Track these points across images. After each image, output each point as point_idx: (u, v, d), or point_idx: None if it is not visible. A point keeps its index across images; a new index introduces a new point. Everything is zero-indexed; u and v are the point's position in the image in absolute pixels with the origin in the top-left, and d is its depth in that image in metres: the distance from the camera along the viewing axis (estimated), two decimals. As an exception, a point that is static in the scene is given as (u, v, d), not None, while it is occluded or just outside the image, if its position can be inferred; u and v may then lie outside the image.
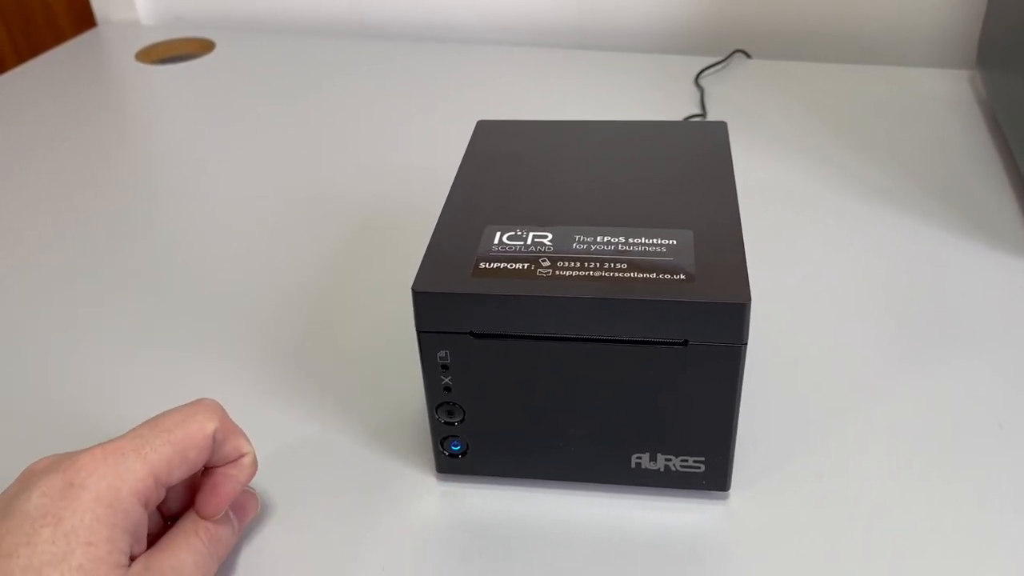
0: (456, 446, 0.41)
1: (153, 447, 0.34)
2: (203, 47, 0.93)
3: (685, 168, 0.43)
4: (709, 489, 0.40)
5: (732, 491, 0.41)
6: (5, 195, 0.68)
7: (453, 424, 0.40)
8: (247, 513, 0.39)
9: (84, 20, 1.03)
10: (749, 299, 0.35)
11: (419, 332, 0.37)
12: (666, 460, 0.39)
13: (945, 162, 0.66)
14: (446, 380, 0.39)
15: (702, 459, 0.39)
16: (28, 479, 0.33)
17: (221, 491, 0.37)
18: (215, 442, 0.36)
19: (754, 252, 0.56)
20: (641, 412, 0.38)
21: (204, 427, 0.35)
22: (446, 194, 0.43)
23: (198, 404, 0.36)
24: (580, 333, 0.36)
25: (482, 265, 0.37)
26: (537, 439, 0.40)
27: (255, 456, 0.38)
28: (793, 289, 0.54)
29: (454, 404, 0.39)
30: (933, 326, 0.50)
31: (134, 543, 0.33)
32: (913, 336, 0.50)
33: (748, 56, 0.84)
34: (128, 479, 0.33)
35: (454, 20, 0.92)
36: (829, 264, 0.56)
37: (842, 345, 0.49)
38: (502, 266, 0.37)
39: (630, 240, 0.38)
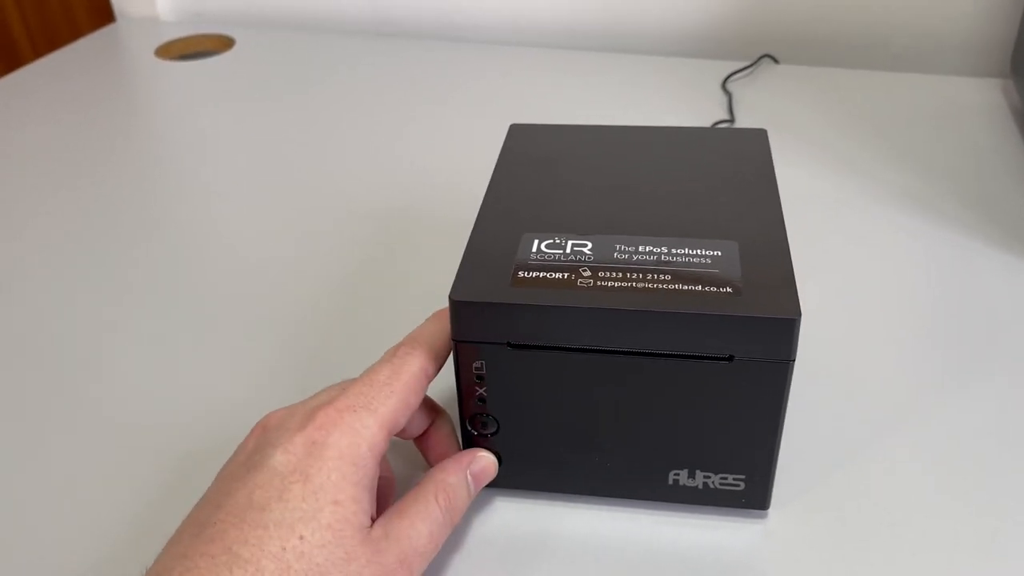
0: (489, 458, 0.40)
1: (380, 401, 0.34)
2: (223, 44, 0.92)
3: (726, 177, 0.42)
4: (748, 507, 0.39)
5: (771, 509, 0.40)
6: (20, 191, 0.67)
7: (486, 436, 0.39)
8: (484, 477, 0.39)
9: (102, 15, 1.02)
10: (799, 314, 0.33)
11: (455, 341, 0.36)
12: (705, 477, 0.38)
13: (979, 172, 0.65)
14: (481, 391, 0.37)
15: (743, 477, 0.38)
16: (264, 434, 0.34)
17: (449, 451, 0.39)
18: (428, 379, 0.37)
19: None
20: (682, 428, 0.37)
21: (415, 371, 0.36)
22: (471, 198, 0.42)
23: (398, 350, 0.37)
24: (622, 346, 0.35)
25: (521, 274, 0.36)
26: (572, 453, 0.39)
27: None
28: (828, 300, 0.52)
29: (488, 415, 0.38)
30: (973, 341, 0.49)
31: (372, 501, 0.33)
32: (953, 351, 0.48)
33: (776, 61, 0.83)
34: (365, 435, 0.33)
35: (476, 20, 0.91)
36: (863, 275, 0.55)
37: (881, 359, 0.48)
38: (541, 275, 0.36)
39: (673, 251, 0.37)
